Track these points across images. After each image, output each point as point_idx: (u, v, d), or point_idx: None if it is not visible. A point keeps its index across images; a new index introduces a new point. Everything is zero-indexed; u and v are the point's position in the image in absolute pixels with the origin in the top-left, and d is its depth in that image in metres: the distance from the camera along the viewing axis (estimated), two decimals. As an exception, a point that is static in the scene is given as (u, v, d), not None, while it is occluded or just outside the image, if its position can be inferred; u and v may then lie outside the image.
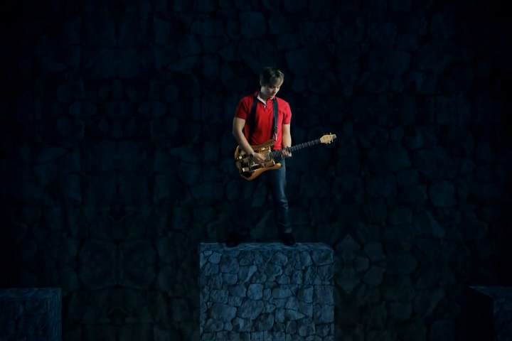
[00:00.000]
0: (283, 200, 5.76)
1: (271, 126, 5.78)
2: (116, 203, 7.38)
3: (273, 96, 5.69)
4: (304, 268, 5.50)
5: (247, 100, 5.74)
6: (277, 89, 5.62)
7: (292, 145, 5.73)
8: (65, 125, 7.36)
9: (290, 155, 5.67)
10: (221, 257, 5.46)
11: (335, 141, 5.71)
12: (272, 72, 5.58)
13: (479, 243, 7.59)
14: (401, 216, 7.63)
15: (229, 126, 5.61)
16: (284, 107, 5.78)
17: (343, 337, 7.41)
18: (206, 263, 5.42)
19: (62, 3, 7.28)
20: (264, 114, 5.71)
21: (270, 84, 5.57)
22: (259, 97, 5.68)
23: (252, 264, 5.47)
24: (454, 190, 7.60)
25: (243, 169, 5.70)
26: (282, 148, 5.72)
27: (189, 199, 7.46)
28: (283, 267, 5.50)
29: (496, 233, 7.58)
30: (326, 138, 5.73)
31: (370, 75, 7.48)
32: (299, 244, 5.80)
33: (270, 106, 5.66)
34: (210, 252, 5.44)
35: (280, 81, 5.60)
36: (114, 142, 7.41)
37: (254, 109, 5.64)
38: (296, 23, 7.47)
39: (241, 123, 5.69)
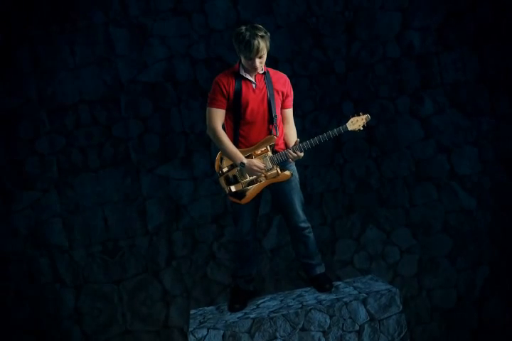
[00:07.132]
0: (303, 225, 2.48)
1: (267, 115, 2.81)
2: (107, 240, 4.96)
3: (263, 68, 2.12)
4: (357, 327, 2.07)
5: (225, 79, 2.82)
6: (260, 61, 2.06)
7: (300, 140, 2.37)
8: (35, 164, 4.91)
9: (302, 154, 2.17)
10: (223, 335, 2.06)
11: (368, 124, 2.29)
12: (246, 33, 2.11)
13: (516, 206, 5.33)
14: (425, 193, 5.05)
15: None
16: (282, 83, 2.86)
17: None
18: None
19: (4, 30, 4.78)
20: (254, 98, 2.80)
21: (245, 53, 2.07)
22: (242, 72, 2.38)
23: (276, 337, 2.07)
24: (478, 153, 5.08)
25: (232, 188, 2.20)
26: (287, 148, 2.18)
27: (187, 220, 4.96)
28: (325, 333, 2.20)
29: (533, 191, 5.33)
30: (357, 123, 2.22)
31: (360, 45, 5.14)
32: (340, 283, 2.31)
33: (262, 83, 2.77)
34: (205, 331, 2.04)
35: (260, 45, 2.24)
36: (93, 173, 4.94)
37: (238, 92, 2.67)
38: (268, 3, 5.01)
39: (219, 116, 2.69)
